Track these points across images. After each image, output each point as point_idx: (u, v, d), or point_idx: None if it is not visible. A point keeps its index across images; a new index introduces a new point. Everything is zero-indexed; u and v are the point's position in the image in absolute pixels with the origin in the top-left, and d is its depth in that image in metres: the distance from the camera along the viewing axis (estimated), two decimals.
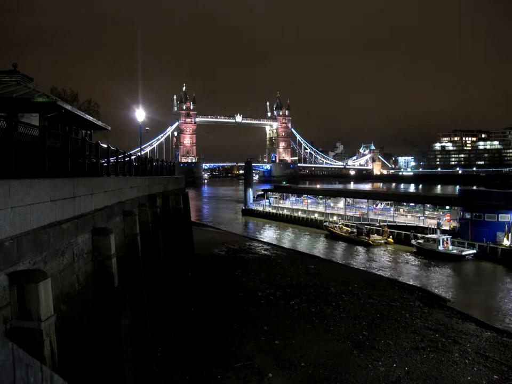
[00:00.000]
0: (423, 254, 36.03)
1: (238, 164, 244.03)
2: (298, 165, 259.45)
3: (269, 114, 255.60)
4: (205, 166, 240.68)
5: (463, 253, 34.53)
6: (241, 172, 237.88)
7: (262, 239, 45.70)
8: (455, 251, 35.09)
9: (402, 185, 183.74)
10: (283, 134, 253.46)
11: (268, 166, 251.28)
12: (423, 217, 43.94)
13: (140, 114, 29.87)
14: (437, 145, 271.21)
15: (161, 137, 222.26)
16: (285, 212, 60.66)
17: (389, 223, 45.20)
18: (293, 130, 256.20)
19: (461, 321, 20.05)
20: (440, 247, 35.31)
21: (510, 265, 32.35)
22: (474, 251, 34.93)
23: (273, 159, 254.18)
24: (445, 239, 35.72)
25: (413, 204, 51.02)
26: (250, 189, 70.74)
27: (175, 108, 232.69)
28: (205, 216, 72.50)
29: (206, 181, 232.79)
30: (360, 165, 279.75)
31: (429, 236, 37.38)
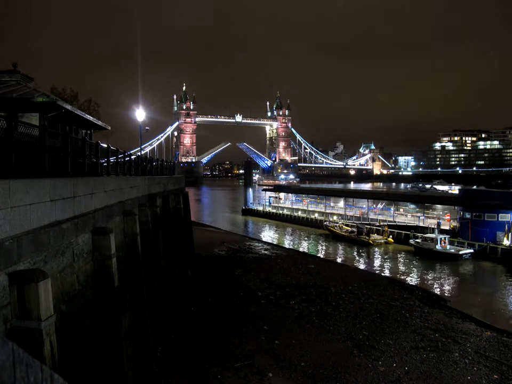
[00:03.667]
0: (421, 254, 36.07)
1: (236, 144, 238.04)
2: (298, 164, 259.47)
3: (269, 114, 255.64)
4: (204, 159, 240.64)
5: (460, 252, 34.58)
6: (241, 171, 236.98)
7: (262, 239, 45.69)
8: (452, 250, 35.14)
9: (402, 185, 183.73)
10: (283, 133, 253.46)
11: (268, 162, 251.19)
12: (423, 217, 43.95)
13: (140, 114, 29.85)
14: (437, 145, 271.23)
15: (161, 137, 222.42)
16: (285, 211, 60.64)
17: (389, 223, 45.21)
18: (293, 130, 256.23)
19: (461, 321, 20.04)
20: (438, 246, 35.35)
21: (510, 265, 32.33)
22: (472, 250, 34.96)
23: (273, 159, 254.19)
24: (443, 239, 35.77)
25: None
26: (250, 189, 70.76)
27: (175, 108, 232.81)
28: (205, 215, 72.48)
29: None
30: (360, 164, 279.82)
31: (427, 235, 37.42)
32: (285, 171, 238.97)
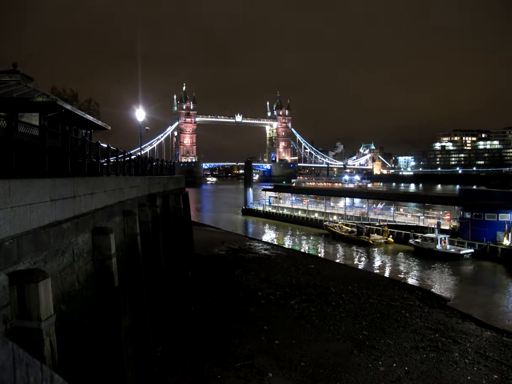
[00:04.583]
0: (421, 253, 36.07)
1: (238, 164, 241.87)
2: (299, 164, 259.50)
3: (269, 114, 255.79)
4: (205, 165, 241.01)
5: (460, 252, 34.61)
6: (241, 171, 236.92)
7: (262, 239, 45.69)
8: (452, 250, 35.15)
9: (402, 185, 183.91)
10: (283, 133, 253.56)
11: (267, 166, 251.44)
12: (423, 217, 43.95)
13: (140, 114, 29.86)
14: (437, 145, 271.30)
15: (161, 137, 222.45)
16: (285, 211, 60.64)
17: (389, 223, 45.22)
18: (293, 130, 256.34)
19: (461, 321, 20.05)
20: (438, 246, 35.36)
21: (510, 264, 32.34)
22: (472, 250, 34.98)
23: (273, 159, 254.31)
24: (443, 238, 35.78)
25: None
26: (250, 189, 70.75)
27: (175, 108, 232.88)
28: (205, 215, 72.48)
29: (209, 181, 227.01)
30: (360, 164, 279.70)
31: (427, 235, 37.43)
32: (347, 170, 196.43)
